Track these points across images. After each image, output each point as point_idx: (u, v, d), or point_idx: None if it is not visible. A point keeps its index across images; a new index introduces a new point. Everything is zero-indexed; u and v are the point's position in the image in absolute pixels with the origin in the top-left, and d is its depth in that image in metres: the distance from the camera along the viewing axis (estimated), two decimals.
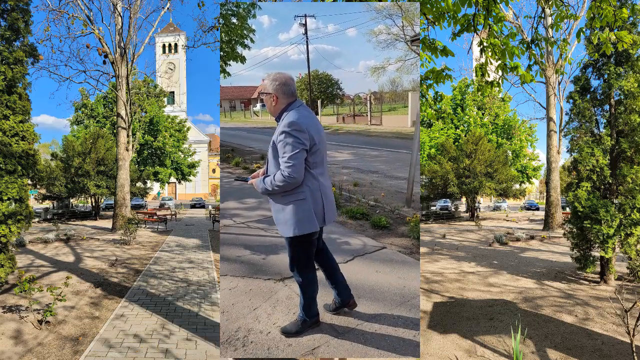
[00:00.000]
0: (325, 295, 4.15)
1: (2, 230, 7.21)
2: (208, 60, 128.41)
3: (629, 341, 4.40)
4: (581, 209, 8.19)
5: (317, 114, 49.88)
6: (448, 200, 29.40)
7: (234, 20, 20.71)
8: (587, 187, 8.46)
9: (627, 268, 8.45)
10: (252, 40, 21.66)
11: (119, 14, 18.87)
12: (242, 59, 22.16)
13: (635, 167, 8.07)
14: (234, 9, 20.49)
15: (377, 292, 4.33)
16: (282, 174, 3.14)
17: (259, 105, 64.23)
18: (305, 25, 45.70)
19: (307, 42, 46.67)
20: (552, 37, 15.52)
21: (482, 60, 4.42)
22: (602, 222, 7.84)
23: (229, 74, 23.80)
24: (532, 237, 16.13)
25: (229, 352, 3.43)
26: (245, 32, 21.13)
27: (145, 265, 10.32)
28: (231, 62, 22.79)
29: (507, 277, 9.31)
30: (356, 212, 8.10)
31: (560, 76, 20.77)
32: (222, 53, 21.84)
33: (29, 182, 11.95)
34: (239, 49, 21.75)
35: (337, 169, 15.92)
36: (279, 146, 3.16)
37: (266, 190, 3.28)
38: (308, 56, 47.78)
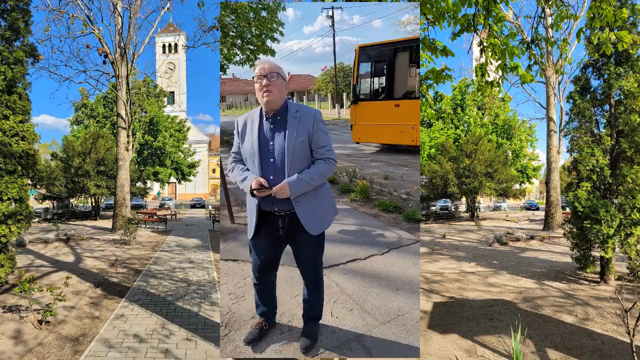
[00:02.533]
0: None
1: (2, 230, 7.21)
2: (208, 60, 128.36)
3: (629, 341, 4.40)
4: (581, 209, 8.19)
5: (342, 106, 49.89)
6: (448, 200, 29.38)
7: (264, 13, 20.58)
8: (587, 187, 8.46)
9: (627, 268, 8.44)
10: (281, 34, 21.55)
11: (119, 14, 18.86)
12: (272, 52, 22.09)
13: (635, 167, 8.07)
14: (265, 1, 20.37)
15: (416, 285, 4.52)
16: (330, 162, 2.99)
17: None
18: (332, 17, 45.58)
19: (333, 34, 46.58)
20: (552, 37, 15.52)
21: (482, 60, 4.42)
22: (602, 222, 7.84)
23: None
24: (532, 237, 16.12)
25: (275, 335, 3.55)
26: (275, 25, 21.04)
27: (145, 265, 10.32)
28: (260, 56, 22.64)
29: (507, 277, 9.31)
30: (389, 205, 8.19)
31: (560, 76, 20.77)
32: (252, 47, 21.72)
33: (29, 182, 11.94)
34: (269, 43, 21.67)
35: (366, 162, 15.95)
36: (317, 136, 2.95)
37: (309, 186, 2.92)
38: (335, 49, 47.62)
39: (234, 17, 20.70)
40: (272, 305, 3.61)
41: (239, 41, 22.46)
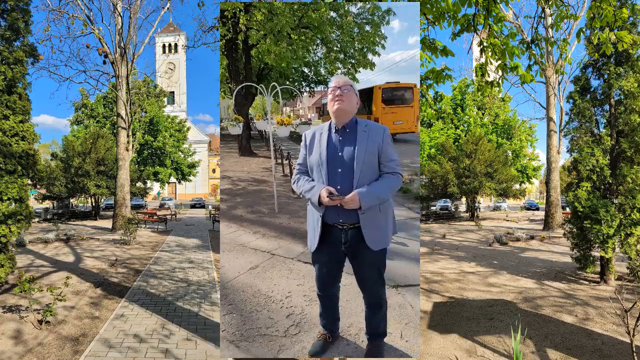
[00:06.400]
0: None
1: (2, 230, 7.21)
2: (208, 60, 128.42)
3: (629, 341, 4.40)
4: (581, 209, 8.19)
5: None
6: (448, 200, 29.36)
7: (368, 28, 20.84)
8: (587, 187, 8.46)
9: (627, 268, 8.44)
10: (383, 47, 21.72)
11: (119, 14, 18.86)
12: (372, 66, 22.40)
13: (635, 167, 8.07)
14: (369, 17, 20.65)
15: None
16: (399, 176, 2.93)
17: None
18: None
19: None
20: (552, 37, 15.51)
21: (482, 60, 4.42)
22: (602, 222, 7.84)
23: (357, 81, 24.28)
24: (532, 237, 16.12)
25: (340, 346, 3.50)
26: (377, 39, 21.21)
27: (145, 265, 10.32)
28: (360, 70, 23.22)
29: (507, 277, 9.31)
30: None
31: (560, 76, 20.75)
32: (353, 61, 22.38)
33: (29, 182, 11.94)
34: (370, 56, 21.90)
35: None
36: (387, 150, 2.93)
37: (378, 200, 2.86)
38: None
39: (339, 33, 20.85)
40: (334, 317, 3.55)
41: (341, 55, 22.84)
